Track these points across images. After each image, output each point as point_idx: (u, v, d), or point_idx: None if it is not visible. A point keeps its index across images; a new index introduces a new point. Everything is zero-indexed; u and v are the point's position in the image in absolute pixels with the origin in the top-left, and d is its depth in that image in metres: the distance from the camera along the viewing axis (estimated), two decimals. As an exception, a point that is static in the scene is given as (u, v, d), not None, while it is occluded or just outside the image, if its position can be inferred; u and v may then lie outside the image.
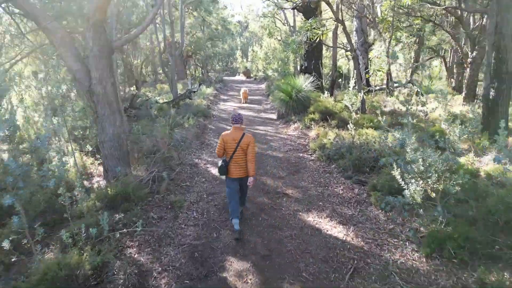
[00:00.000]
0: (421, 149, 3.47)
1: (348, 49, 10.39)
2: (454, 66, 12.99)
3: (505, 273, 2.85)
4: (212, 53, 24.50)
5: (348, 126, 6.69)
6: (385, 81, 12.59)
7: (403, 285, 3.02)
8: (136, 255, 3.56)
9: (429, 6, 9.32)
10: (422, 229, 3.74)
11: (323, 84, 13.02)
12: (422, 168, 3.40)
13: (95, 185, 5.16)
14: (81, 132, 6.89)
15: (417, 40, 12.76)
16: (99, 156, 5.93)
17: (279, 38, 19.52)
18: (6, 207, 2.82)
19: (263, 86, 20.09)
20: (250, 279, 3.26)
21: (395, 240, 3.74)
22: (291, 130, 9.19)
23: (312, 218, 4.40)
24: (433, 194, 3.53)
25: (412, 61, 13.79)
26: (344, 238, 3.89)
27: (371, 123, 7.74)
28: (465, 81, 10.23)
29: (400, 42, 11.66)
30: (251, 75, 27.40)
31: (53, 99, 5.04)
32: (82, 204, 4.02)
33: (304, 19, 12.21)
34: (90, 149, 6.16)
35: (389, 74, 11.70)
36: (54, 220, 3.95)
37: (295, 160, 6.74)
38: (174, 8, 15.36)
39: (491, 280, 2.81)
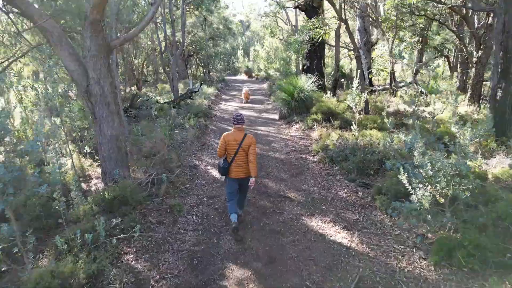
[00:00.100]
0: (429, 153, 3.34)
1: (351, 48, 10.24)
2: (458, 65, 12.79)
3: (519, 284, 2.71)
4: (214, 53, 24.33)
5: (352, 127, 6.57)
6: (388, 81, 12.43)
7: (411, 296, 2.90)
8: (133, 262, 3.44)
9: (434, 4, 9.13)
10: (430, 235, 3.61)
11: (326, 84, 12.87)
12: (430, 172, 3.26)
13: (93, 188, 5.05)
14: (80, 133, 6.78)
15: (420, 40, 12.57)
16: (97, 158, 5.81)
17: (281, 37, 19.41)
18: (-1, 213, 2.71)
19: (264, 85, 19.96)
20: (251, 288, 3.14)
21: (402, 246, 3.61)
22: (293, 131, 9.05)
23: (315, 223, 4.27)
24: (442, 200, 3.39)
25: (416, 60, 13.59)
26: (348, 244, 3.76)
27: (375, 124, 7.59)
28: (470, 81, 10.05)
29: (403, 41, 11.47)
30: (253, 75, 27.31)
31: (50, 99, 4.92)
32: (79, 208, 3.90)
33: (306, 18, 12.08)
34: (89, 150, 6.06)
35: (392, 74, 11.53)
36: (49, 225, 3.83)
37: (297, 162, 6.61)
38: (175, 7, 15.22)
39: (503, 291, 2.68)
